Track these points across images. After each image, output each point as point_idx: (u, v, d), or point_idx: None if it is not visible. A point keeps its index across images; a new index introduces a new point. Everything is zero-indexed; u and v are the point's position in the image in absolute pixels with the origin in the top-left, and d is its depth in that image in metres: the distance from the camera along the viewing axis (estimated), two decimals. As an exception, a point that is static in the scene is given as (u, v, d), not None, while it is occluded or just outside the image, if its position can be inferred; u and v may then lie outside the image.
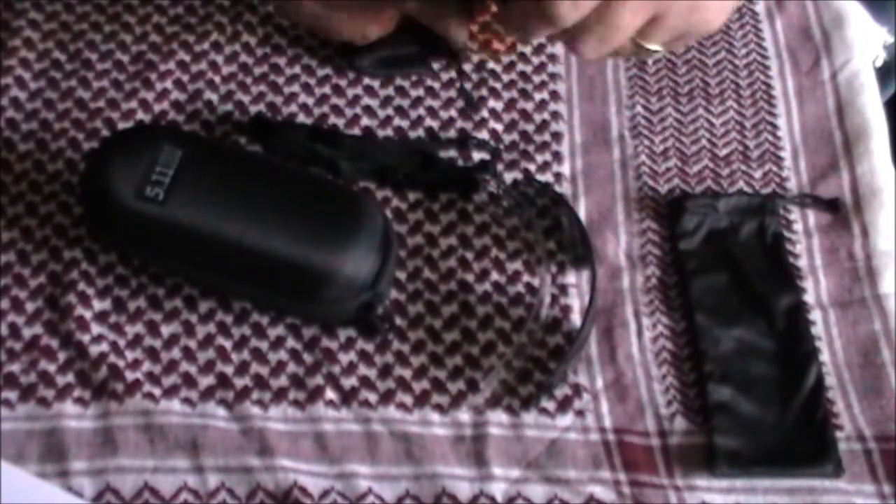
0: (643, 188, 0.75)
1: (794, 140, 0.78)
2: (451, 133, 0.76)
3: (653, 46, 0.64)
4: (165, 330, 0.68)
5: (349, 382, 0.67)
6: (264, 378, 0.67)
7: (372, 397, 0.66)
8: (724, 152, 0.77)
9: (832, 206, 0.74)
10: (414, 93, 0.77)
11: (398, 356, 0.68)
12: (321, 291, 0.64)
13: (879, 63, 0.86)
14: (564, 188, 0.75)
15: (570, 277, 0.71)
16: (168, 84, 0.76)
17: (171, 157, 0.65)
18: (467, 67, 0.78)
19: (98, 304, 0.68)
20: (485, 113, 0.77)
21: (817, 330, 0.70)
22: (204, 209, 0.64)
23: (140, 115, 0.75)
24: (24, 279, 0.68)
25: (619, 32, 0.61)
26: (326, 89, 0.77)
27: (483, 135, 0.76)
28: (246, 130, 0.75)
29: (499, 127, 0.76)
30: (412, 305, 0.69)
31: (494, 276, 0.71)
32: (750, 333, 0.69)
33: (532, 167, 0.75)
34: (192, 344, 0.67)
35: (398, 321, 0.69)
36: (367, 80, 0.77)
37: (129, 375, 0.65)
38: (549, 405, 0.67)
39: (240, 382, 0.66)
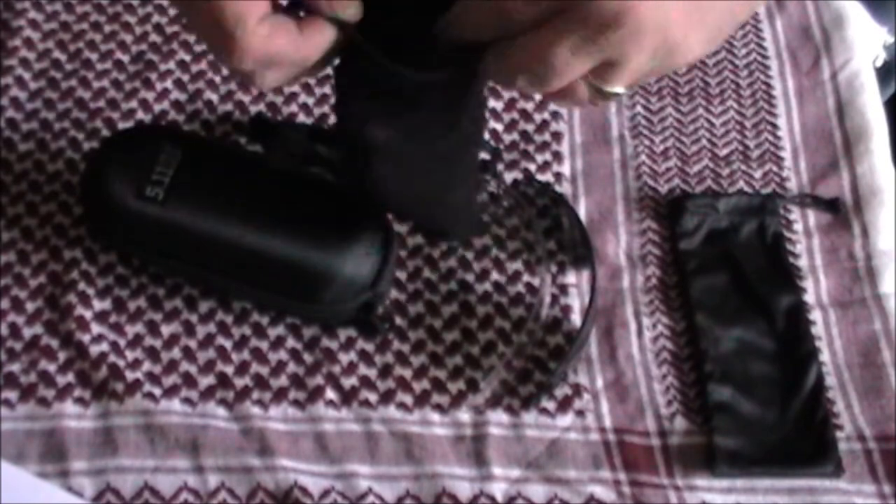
0: (643, 188, 0.75)
1: (794, 140, 0.78)
2: (451, 133, 0.76)
3: (615, 90, 0.52)
4: (165, 330, 0.68)
5: (349, 382, 0.67)
6: (264, 378, 0.67)
7: (372, 397, 0.66)
8: (724, 152, 0.77)
9: (832, 206, 0.74)
10: (414, 93, 0.77)
11: (398, 356, 0.68)
12: (321, 292, 0.64)
13: (879, 63, 0.86)
14: (564, 188, 0.75)
15: (570, 277, 0.71)
16: (168, 84, 0.76)
17: (171, 157, 0.65)
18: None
19: (98, 304, 0.68)
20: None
21: (817, 330, 0.70)
22: (204, 209, 0.64)
23: (140, 115, 0.75)
24: (24, 279, 0.68)
25: (558, 75, 0.50)
26: (326, 89, 0.77)
27: (483, 135, 0.75)
28: (246, 130, 0.75)
29: (499, 127, 0.76)
30: (412, 305, 0.69)
31: (494, 276, 0.71)
32: (750, 333, 0.69)
33: (532, 167, 0.75)
34: (192, 344, 0.67)
35: (398, 321, 0.69)
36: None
37: (130, 375, 0.66)
38: (550, 405, 0.67)
39: (240, 382, 0.66)
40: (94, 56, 0.77)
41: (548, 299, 0.70)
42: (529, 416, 0.66)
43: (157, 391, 0.65)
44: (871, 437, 0.66)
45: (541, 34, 0.49)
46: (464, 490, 0.64)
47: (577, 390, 0.67)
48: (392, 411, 0.66)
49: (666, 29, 0.49)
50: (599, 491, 0.64)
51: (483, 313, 0.69)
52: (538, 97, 0.78)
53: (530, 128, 0.77)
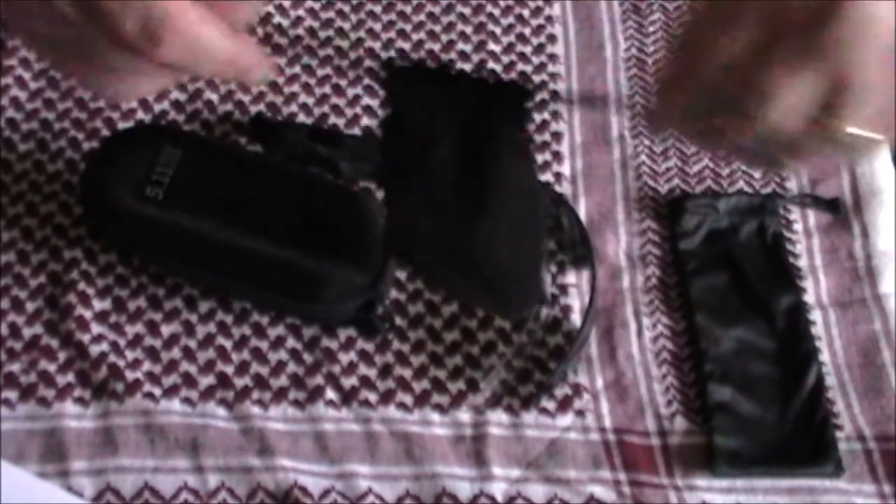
0: (643, 188, 0.75)
1: (794, 140, 0.78)
2: (451, 133, 0.76)
3: (857, 129, 0.43)
4: (165, 330, 0.68)
5: (349, 382, 0.67)
6: (264, 378, 0.67)
7: (372, 397, 0.66)
8: (724, 152, 0.77)
9: (832, 206, 0.74)
10: (414, 93, 0.77)
11: (398, 356, 0.68)
12: (321, 292, 0.64)
13: (879, 63, 0.86)
14: (564, 188, 0.75)
15: (570, 277, 0.71)
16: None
17: (171, 157, 0.65)
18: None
19: (98, 304, 0.68)
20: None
21: (817, 330, 0.70)
22: (204, 209, 0.64)
23: (140, 115, 0.75)
24: (24, 279, 0.68)
25: (774, 105, 0.42)
26: (326, 89, 0.77)
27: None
28: (246, 130, 0.75)
29: (499, 127, 0.76)
30: (412, 305, 0.69)
31: (494, 276, 0.71)
32: (750, 333, 0.69)
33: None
34: (192, 344, 0.67)
35: (398, 321, 0.69)
36: (367, 80, 0.77)
37: (130, 375, 0.66)
38: (549, 405, 0.67)
39: (240, 382, 0.66)
40: (94, 56, 0.77)
41: (548, 299, 0.70)
42: (529, 416, 0.66)
43: (157, 391, 0.65)
44: (871, 437, 0.66)
45: (746, 60, 0.42)
46: (464, 490, 0.64)
47: (577, 390, 0.67)
48: (392, 411, 0.66)
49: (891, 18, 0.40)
50: (599, 491, 0.64)
51: (483, 313, 0.69)
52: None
53: (530, 127, 0.77)
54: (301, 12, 0.80)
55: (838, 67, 0.41)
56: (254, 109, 0.76)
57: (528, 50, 0.80)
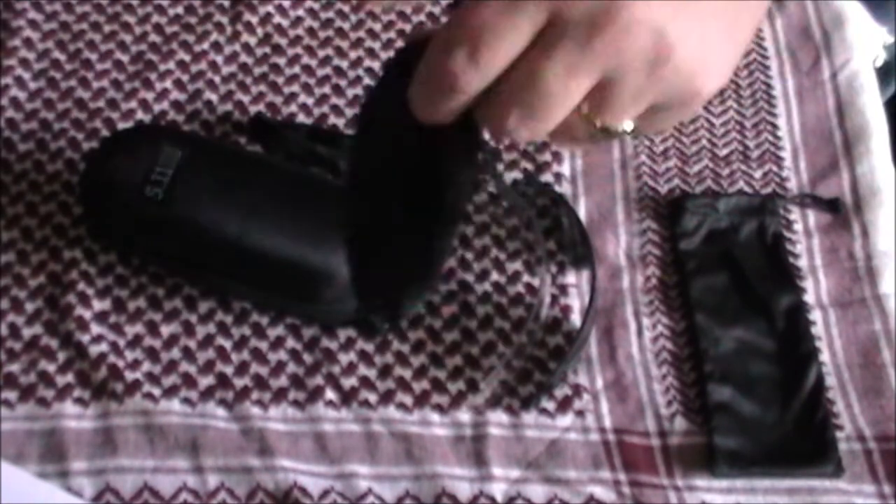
0: (643, 188, 0.75)
1: (794, 140, 0.78)
2: (451, 133, 0.76)
3: (614, 125, 0.46)
4: (165, 330, 0.68)
5: (349, 382, 0.67)
6: (264, 378, 0.67)
7: (372, 397, 0.66)
8: (724, 152, 0.77)
9: (832, 206, 0.74)
10: (414, 93, 0.77)
11: (398, 356, 0.68)
12: (321, 291, 0.64)
13: (879, 63, 0.86)
14: (564, 188, 0.75)
15: (570, 277, 0.71)
16: (168, 84, 0.76)
17: (171, 157, 0.65)
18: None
19: (98, 304, 0.68)
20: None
21: (817, 330, 0.70)
22: (203, 209, 0.64)
23: (140, 115, 0.75)
24: (24, 279, 0.68)
25: (553, 104, 0.44)
26: (326, 89, 0.77)
27: (483, 135, 0.75)
28: (246, 130, 0.75)
29: (499, 127, 0.76)
30: (412, 305, 0.69)
31: (494, 276, 0.71)
32: (750, 333, 0.69)
33: (532, 167, 0.75)
34: (192, 344, 0.67)
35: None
36: (366, 80, 0.77)
37: (129, 375, 0.66)
38: (549, 405, 0.67)
39: (240, 382, 0.66)
40: (93, 56, 0.77)
41: (548, 299, 0.70)
42: (529, 417, 0.66)
43: (156, 391, 0.65)
44: (871, 437, 0.66)
45: (528, 56, 0.44)
46: (463, 490, 0.64)
47: (577, 390, 0.67)
48: (392, 411, 0.66)
49: (664, 33, 0.43)
50: (599, 491, 0.64)
51: (483, 313, 0.69)
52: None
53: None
54: (301, 12, 0.80)
55: (610, 67, 0.44)
56: (253, 109, 0.76)
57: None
